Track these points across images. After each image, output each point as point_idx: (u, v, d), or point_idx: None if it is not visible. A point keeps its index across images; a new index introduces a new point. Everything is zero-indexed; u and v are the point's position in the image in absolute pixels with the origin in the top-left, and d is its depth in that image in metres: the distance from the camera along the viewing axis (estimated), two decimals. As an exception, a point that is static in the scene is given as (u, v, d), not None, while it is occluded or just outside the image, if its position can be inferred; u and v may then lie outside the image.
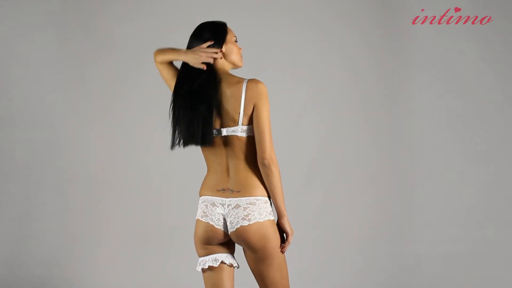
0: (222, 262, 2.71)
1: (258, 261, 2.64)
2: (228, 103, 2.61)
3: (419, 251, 5.15)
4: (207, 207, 2.67)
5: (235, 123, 2.61)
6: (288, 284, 2.72)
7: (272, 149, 2.57)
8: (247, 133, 2.62)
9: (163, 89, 5.25)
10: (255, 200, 2.61)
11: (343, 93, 5.27)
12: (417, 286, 5.01)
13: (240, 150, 2.63)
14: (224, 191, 2.65)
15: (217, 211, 2.65)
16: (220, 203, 2.64)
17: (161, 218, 5.17)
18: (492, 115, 5.22)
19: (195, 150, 4.96)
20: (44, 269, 5.07)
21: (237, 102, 2.60)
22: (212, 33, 2.72)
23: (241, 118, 2.60)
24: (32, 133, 5.17)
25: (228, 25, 2.84)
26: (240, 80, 2.63)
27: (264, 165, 2.56)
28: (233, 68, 2.81)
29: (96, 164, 5.19)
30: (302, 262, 5.10)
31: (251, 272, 2.75)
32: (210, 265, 2.69)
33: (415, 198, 5.24)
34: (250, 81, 2.61)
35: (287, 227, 2.68)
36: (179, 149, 5.36)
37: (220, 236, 2.67)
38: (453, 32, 5.19)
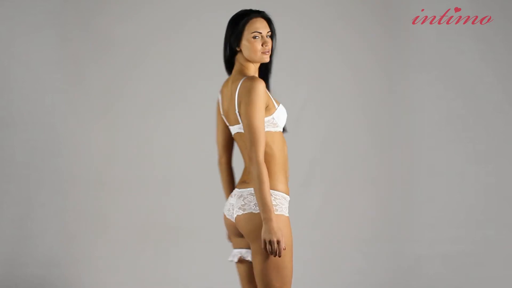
0: (241, 257, 2.74)
1: (254, 254, 2.61)
2: (229, 102, 2.67)
3: (419, 251, 5.14)
4: (227, 199, 2.76)
5: (237, 121, 2.64)
6: None
7: (254, 150, 2.52)
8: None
9: (163, 89, 5.26)
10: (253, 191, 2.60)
11: (343, 93, 5.27)
12: (417, 286, 5.01)
13: (245, 145, 2.66)
14: (242, 183, 2.69)
15: (229, 201, 2.71)
16: (234, 194, 2.70)
17: (162, 218, 5.17)
18: (492, 115, 5.22)
19: (195, 151, 4.95)
20: (44, 269, 5.06)
21: (233, 101, 2.63)
22: (232, 29, 2.74)
23: (239, 116, 2.63)
24: (32, 133, 5.17)
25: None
26: (240, 78, 2.65)
27: (247, 164, 2.65)
28: (255, 63, 2.75)
29: (96, 164, 5.19)
30: (302, 262, 5.09)
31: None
32: (231, 259, 2.75)
33: (415, 198, 5.23)
34: (245, 79, 2.61)
35: (264, 234, 2.53)
36: (180, 150, 5.36)
37: (232, 227, 2.70)
38: (453, 32, 5.19)
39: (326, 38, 5.27)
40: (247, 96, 2.54)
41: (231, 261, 2.76)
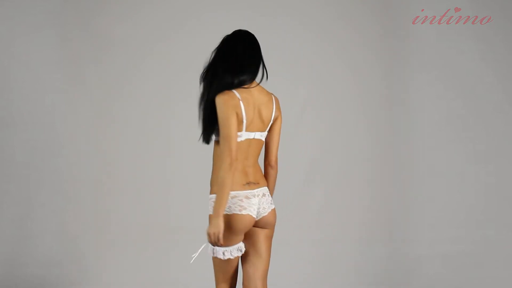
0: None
1: (270, 237, 3.06)
2: (263, 111, 2.98)
3: (419, 251, 5.15)
4: (242, 201, 2.93)
5: (264, 129, 2.99)
6: None
7: (277, 155, 3.09)
8: (264, 137, 3.02)
9: (163, 89, 5.27)
10: (267, 189, 3.06)
11: (343, 93, 5.27)
12: (417, 286, 5.01)
13: (257, 151, 3.00)
14: (248, 185, 2.96)
15: (253, 202, 2.95)
16: (252, 195, 2.95)
17: (162, 218, 5.17)
18: (492, 115, 5.22)
19: (195, 151, 4.96)
20: (44, 269, 5.07)
21: (270, 112, 2.99)
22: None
23: (269, 125, 3.01)
24: (32, 133, 5.17)
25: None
26: (268, 92, 3.04)
27: (273, 166, 3.09)
28: None
29: (96, 164, 5.19)
30: (302, 262, 5.10)
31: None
32: (236, 255, 2.98)
33: (415, 198, 5.23)
34: (274, 96, 3.06)
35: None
36: (180, 150, 5.36)
37: (251, 226, 2.98)
38: (453, 32, 5.19)
39: (326, 38, 5.27)
40: (281, 112, 3.06)
41: (237, 254, 2.99)
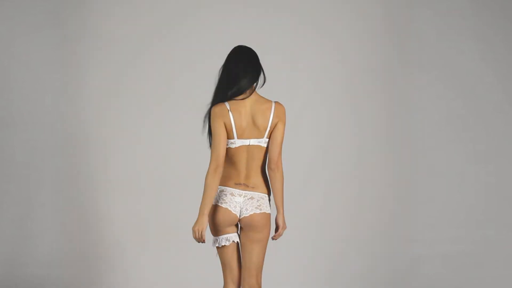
0: (232, 241, 3.30)
1: (257, 241, 3.26)
2: (258, 119, 3.18)
3: (419, 251, 5.15)
4: (226, 196, 3.23)
5: (261, 135, 3.18)
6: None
7: (281, 159, 3.24)
8: (265, 144, 3.21)
9: (162, 89, 5.27)
10: (264, 196, 3.26)
11: (343, 93, 5.27)
12: (417, 286, 5.02)
13: (257, 156, 3.22)
14: (240, 185, 3.23)
15: (235, 200, 3.22)
16: (238, 194, 3.22)
17: (162, 218, 5.17)
18: (492, 115, 5.22)
19: (194, 151, 4.99)
20: (44, 269, 5.07)
21: (266, 119, 3.17)
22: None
23: (267, 132, 3.18)
24: (32, 133, 5.18)
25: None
26: (268, 101, 3.21)
27: (273, 169, 3.23)
28: None
29: (96, 164, 5.19)
30: (302, 262, 5.10)
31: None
32: (224, 244, 3.25)
33: (415, 198, 5.24)
34: (276, 103, 3.22)
35: (283, 222, 3.32)
36: (180, 150, 5.36)
37: (233, 220, 3.23)
38: (453, 32, 5.20)
39: (326, 38, 5.27)
40: (284, 118, 3.21)
41: (225, 244, 3.26)
